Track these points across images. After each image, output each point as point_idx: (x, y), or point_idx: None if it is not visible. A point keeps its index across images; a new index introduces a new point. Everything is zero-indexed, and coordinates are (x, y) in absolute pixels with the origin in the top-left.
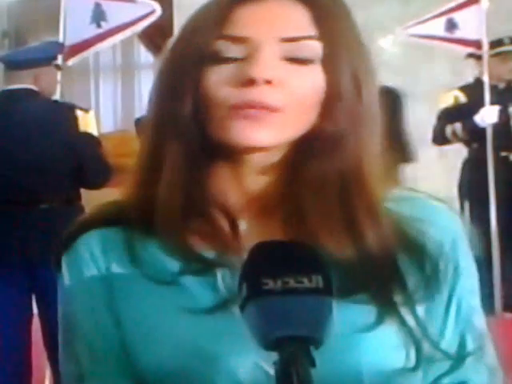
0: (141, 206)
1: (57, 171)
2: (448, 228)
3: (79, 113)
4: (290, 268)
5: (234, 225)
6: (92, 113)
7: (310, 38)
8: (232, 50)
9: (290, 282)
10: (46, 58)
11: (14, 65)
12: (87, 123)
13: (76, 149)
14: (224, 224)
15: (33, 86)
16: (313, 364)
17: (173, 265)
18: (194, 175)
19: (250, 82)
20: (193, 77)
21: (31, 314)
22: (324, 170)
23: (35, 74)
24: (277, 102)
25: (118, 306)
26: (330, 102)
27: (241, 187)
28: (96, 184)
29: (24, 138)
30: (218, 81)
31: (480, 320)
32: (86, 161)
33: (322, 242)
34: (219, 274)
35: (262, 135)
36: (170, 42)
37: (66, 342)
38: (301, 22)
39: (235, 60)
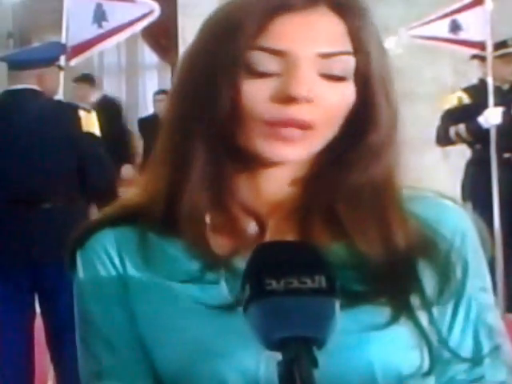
0: (161, 202)
1: (59, 171)
2: (458, 226)
3: (82, 113)
4: (292, 268)
5: (259, 227)
6: (95, 113)
7: (346, 53)
8: (269, 63)
9: (293, 282)
10: (48, 58)
11: (17, 65)
12: (90, 123)
13: (79, 149)
14: (246, 225)
15: (36, 87)
16: (315, 364)
17: (188, 263)
18: (220, 175)
19: (291, 100)
20: (229, 84)
21: (34, 314)
22: (360, 181)
23: (38, 74)
24: (314, 119)
25: (132, 303)
26: (372, 116)
27: (265, 194)
28: (98, 185)
29: (27, 137)
30: (256, 94)
31: (494, 317)
32: (89, 161)
33: (356, 241)
34: (223, 277)
35: (293, 152)
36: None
37: (83, 339)
38: (337, 35)
39: (272, 74)
